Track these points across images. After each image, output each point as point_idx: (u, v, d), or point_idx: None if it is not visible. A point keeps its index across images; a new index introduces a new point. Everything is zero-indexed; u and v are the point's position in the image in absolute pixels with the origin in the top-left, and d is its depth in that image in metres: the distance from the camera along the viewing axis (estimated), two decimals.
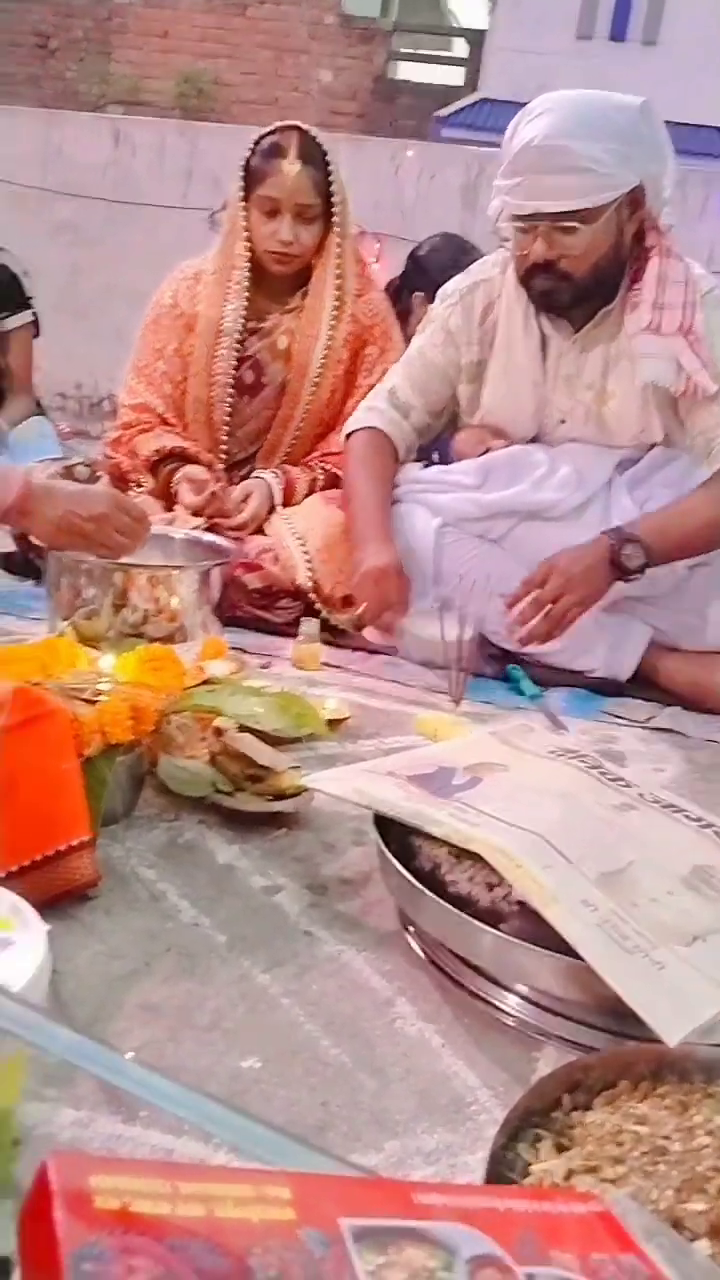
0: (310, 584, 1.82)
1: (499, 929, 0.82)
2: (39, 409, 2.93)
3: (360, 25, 9.65)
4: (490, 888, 0.84)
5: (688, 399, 1.68)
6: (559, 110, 1.59)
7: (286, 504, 2.00)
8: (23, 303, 2.79)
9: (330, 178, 1.94)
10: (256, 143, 1.95)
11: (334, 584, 1.84)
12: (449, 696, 1.52)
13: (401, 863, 0.89)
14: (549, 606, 1.58)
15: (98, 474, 1.97)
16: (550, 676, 1.73)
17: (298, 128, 1.94)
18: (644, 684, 1.73)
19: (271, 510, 1.97)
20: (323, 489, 2.03)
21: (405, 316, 2.58)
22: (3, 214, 4.55)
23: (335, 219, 1.95)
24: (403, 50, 9.97)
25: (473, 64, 9.40)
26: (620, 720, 1.60)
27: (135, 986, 0.80)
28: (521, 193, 1.60)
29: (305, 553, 1.84)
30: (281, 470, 2.03)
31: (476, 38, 9.50)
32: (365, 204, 4.07)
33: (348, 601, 1.87)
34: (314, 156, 1.92)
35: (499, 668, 1.74)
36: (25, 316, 2.79)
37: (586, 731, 1.53)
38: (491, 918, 0.83)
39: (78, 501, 1.45)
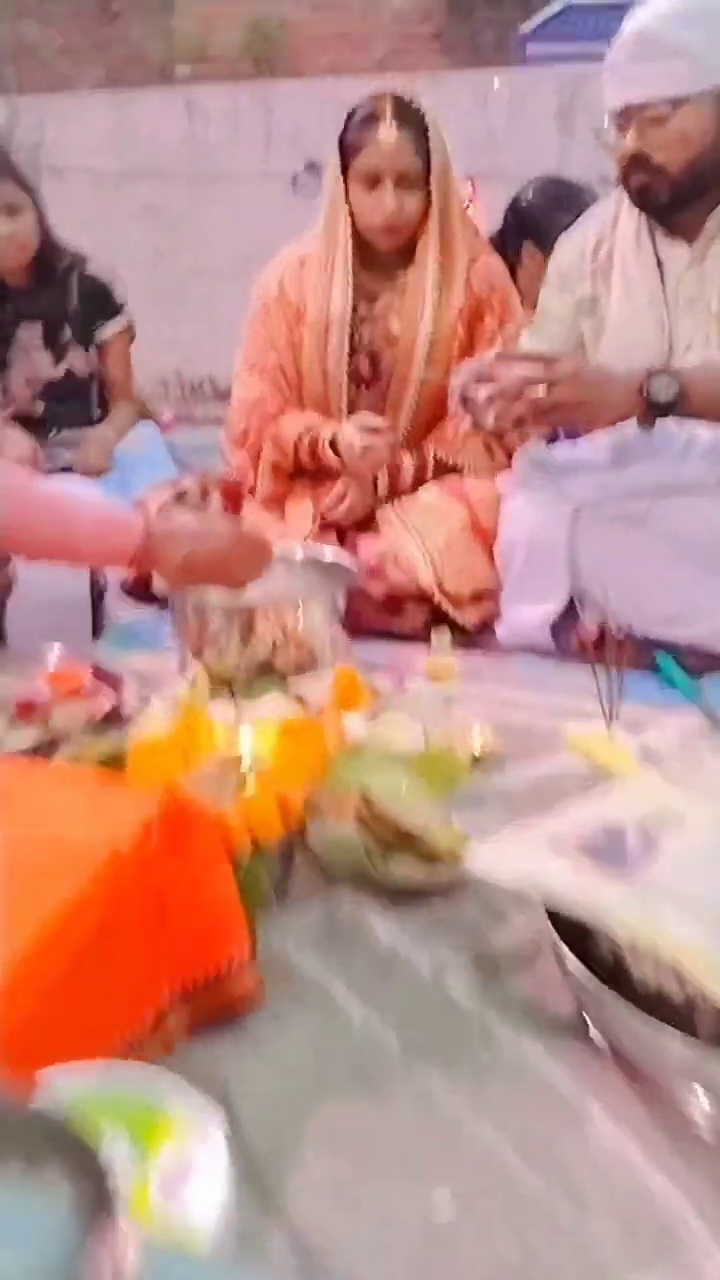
0: (435, 585, 1.75)
1: (696, 1032, 0.76)
2: (144, 412, 2.92)
3: None
4: (683, 981, 0.77)
5: None
6: (662, 2, 1.51)
7: (393, 492, 1.93)
8: (116, 310, 2.75)
9: (429, 141, 1.82)
10: (350, 115, 1.85)
11: (459, 582, 1.76)
12: (602, 712, 1.43)
13: (578, 945, 0.83)
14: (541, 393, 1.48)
15: (209, 492, 1.93)
16: (703, 662, 1.63)
17: (392, 93, 1.83)
18: None
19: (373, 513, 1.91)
20: (434, 477, 1.95)
21: (514, 271, 2.44)
22: (83, 202, 4.52)
23: (434, 184, 1.84)
24: None
25: None
26: None
27: (312, 1109, 0.77)
28: (614, 84, 1.55)
29: (426, 553, 1.76)
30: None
31: None
32: (454, 144, 3.88)
33: (476, 599, 1.80)
34: (411, 119, 1.80)
35: (647, 657, 1.64)
36: (120, 323, 2.75)
37: None
38: (685, 1015, 0.76)
39: (200, 539, 1.42)
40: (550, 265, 1.85)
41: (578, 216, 2.48)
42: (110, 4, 11.40)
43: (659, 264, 1.68)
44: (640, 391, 1.49)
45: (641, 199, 1.63)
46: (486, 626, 1.79)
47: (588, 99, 3.78)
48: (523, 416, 1.51)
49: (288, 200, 4.25)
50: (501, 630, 1.75)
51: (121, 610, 1.87)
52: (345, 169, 1.86)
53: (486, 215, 3.45)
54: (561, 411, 1.52)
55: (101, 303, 2.74)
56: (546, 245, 2.48)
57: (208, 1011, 0.86)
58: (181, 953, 0.84)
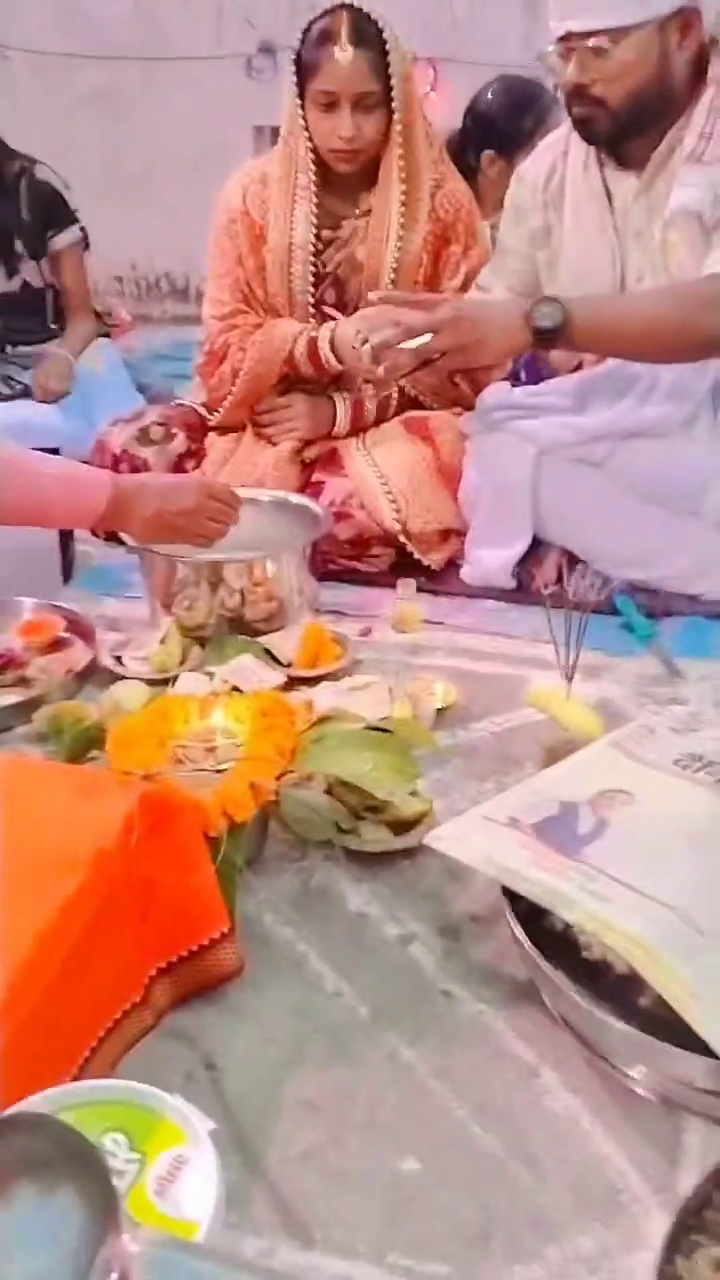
0: (399, 527, 1.77)
1: (638, 1001, 0.84)
2: (101, 320, 2.85)
3: None
4: None
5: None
6: None
7: (355, 427, 1.92)
8: (69, 219, 2.66)
9: (388, 58, 1.75)
10: (305, 30, 1.77)
11: (424, 523, 1.79)
12: (560, 664, 1.48)
13: (533, 917, 0.90)
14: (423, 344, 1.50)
15: (173, 432, 1.92)
16: (662, 603, 1.68)
17: (348, 6, 1.74)
18: None
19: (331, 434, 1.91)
20: (397, 411, 1.94)
21: (472, 178, 2.37)
22: (27, 86, 4.28)
23: (395, 105, 1.78)
24: None
25: None
26: None
27: (292, 1078, 0.85)
28: (557, 11, 1.52)
29: (390, 494, 1.78)
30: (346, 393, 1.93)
31: None
32: (413, 25, 3.65)
33: (442, 538, 1.83)
34: (368, 37, 1.73)
35: (606, 598, 1.68)
36: (74, 233, 2.67)
37: (705, 678, 1.49)
38: (628, 987, 0.84)
39: (167, 497, 1.43)
40: (507, 199, 1.83)
41: (539, 120, 2.42)
42: None
43: (608, 194, 1.67)
44: (526, 321, 1.48)
45: (584, 130, 1.61)
46: (452, 565, 1.82)
47: None
48: (410, 366, 1.53)
49: (243, 85, 4.04)
50: (466, 571, 1.78)
51: (91, 551, 1.87)
52: (302, 90, 1.79)
53: (448, 103, 3.32)
54: (448, 356, 1.52)
55: (53, 210, 2.65)
56: (507, 151, 2.42)
57: (191, 983, 0.92)
58: (165, 931, 0.90)
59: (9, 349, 2.69)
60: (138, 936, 0.88)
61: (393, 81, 1.77)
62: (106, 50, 4.14)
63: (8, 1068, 0.69)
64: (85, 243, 2.72)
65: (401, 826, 1.11)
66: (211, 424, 2.00)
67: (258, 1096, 0.83)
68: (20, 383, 2.57)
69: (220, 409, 1.98)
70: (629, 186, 1.63)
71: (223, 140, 4.16)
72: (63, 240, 2.66)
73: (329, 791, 1.12)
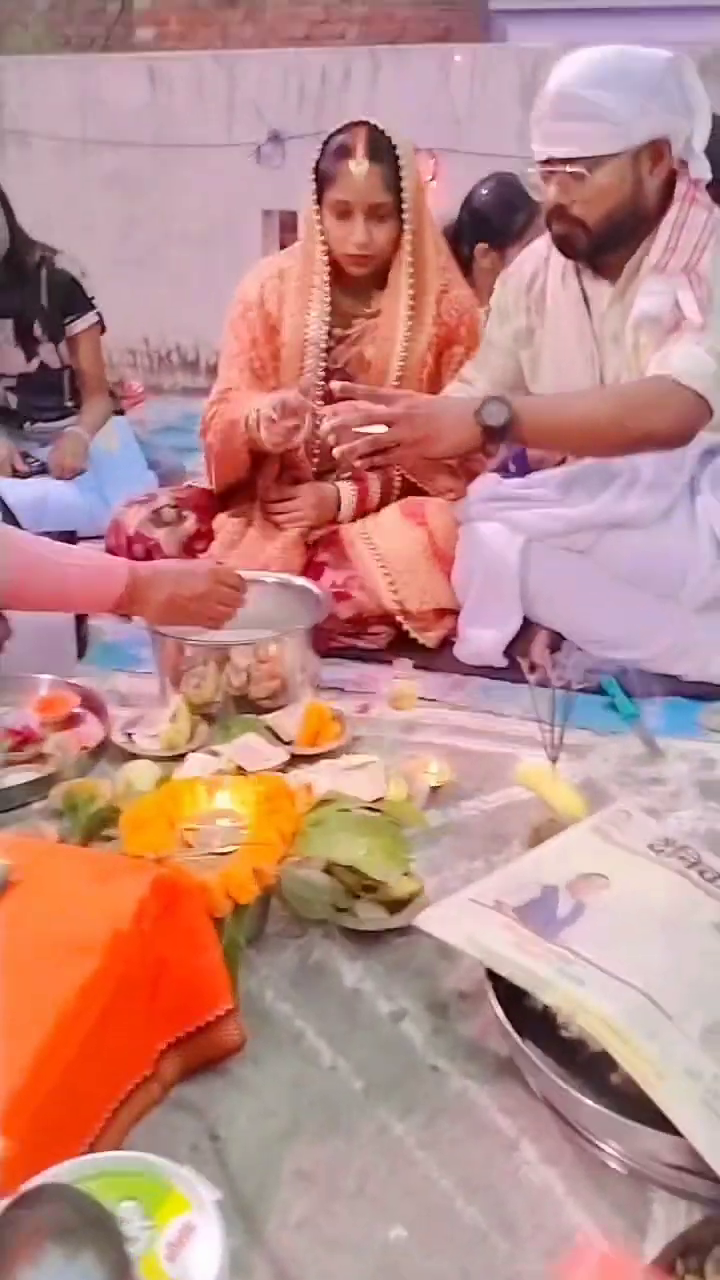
0: (397, 607, 1.87)
1: (610, 1078, 0.90)
2: (115, 396, 2.97)
3: None
4: None
5: (676, 331, 1.63)
6: (583, 60, 1.61)
7: (360, 511, 2.02)
8: (87, 304, 2.79)
9: (401, 173, 1.88)
10: (325, 144, 1.91)
11: (420, 603, 1.88)
12: (546, 744, 1.55)
13: (515, 995, 0.97)
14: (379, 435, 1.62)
15: (184, 514, 2.02)
16: (645, 685, 1.76)
17: (365, 124, 1.88)
18: None
19: (336, 520, 2.01)
20: (399, 497, 2.04)
21: (467, 268, 2.51)
22: (50, 169, 4.49)
23: (406, 216, 1.90)
24: None
25: None
26: (717, 737, 1.62)
27: (289, 1149, 0.91)
28: (537, 138, 1.64)
29: (388, 576, 1.87)
30: (356, 480, 2.03)
31: None
32: (416, 118, 3.87)
33: (438, 616, 1.92)
34: (382, 153, 1.86)
35: (593, 679, 1.77)
36: (91, 318, 2.80)
37: (685, 757, 1.57)
38: (602, 1064, 0.91)
39: (180, 583, 1.53)
40: (493, 299, 1.94)
41: (530, 217, 2.56)
42: None
43: (586, 301, 1.78)
44: (475, 418, 1.60)
45: (563, 245, 1.72)
46: (447, 642, 1.91)
47: (548, 75, 3.77)
48: (364, 451, 1.64)
49: (253, 169, 4.23)
50: (460, 649, 1.87)
51: (104, 628, 1.96)
52: (319, 198, 1.92)
53: (447, 191, 3.47)
54: (402, 447, 1.64)
55: (71, 297, 2.78)
56: (499, 244, 2.56)
57: (197, 1057, 0.99)
58: (173, 1008, 0.97)
59: (27, 426, 2.81)
60: (148, 1014, 0.95)
61: (404, 194, 1.89)
62: (123, 137, 4.34)
63: (32, 1140, 0.76)
64: (101, 326, 2.85)
65: (395, 905, 1.18)
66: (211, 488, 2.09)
67: (258, 1166, 0.90)
68: (38, 460, 2.68)
69: (213, 483, 2.08)
70: (605, 294, 1.75)
71: (232, 222, 4.35)
72: (80, 325, 2.78)
73: (327, 870, 1.19)
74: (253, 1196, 0.87)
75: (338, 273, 1.97)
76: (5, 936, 0.91)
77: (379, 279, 1.99)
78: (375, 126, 1.88)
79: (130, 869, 1.01)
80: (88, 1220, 0.64)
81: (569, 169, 1.61)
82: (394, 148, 1.87)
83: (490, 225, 2.59)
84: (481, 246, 2.59)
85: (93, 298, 2.81)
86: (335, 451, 1.67)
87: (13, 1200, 0.64)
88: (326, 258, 1.96)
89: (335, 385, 1.75)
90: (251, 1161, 0.90)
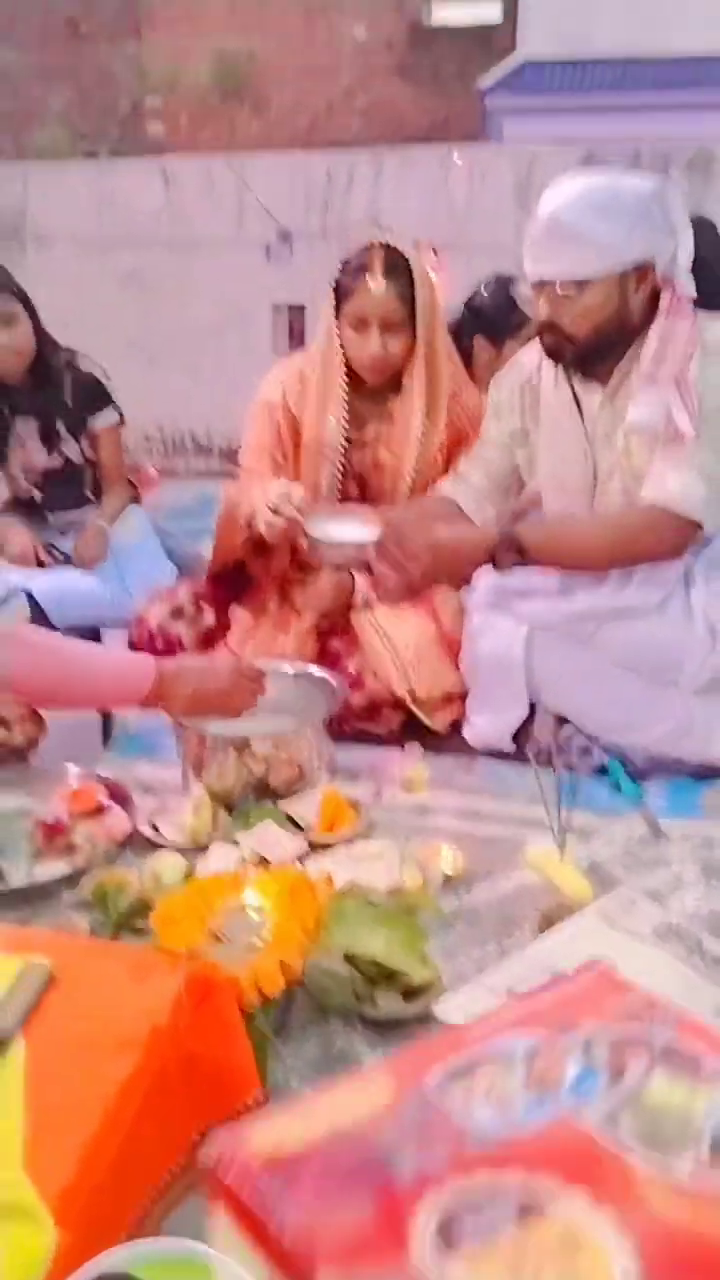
0: (408, 694, 1.95)
1: None
2: (134, 496, 3.09)
3: None
4: None
5: (672, 443, 1.75)
6: (574, 188, 1.73)
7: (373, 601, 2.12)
8: (106, 402, 2.92)
9: (415, 289, 1.99)
10: (345, 263, 2.03)
11: (429, 690, 1.97)
12: (553, 828, 1.63)
13: None
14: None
15: (203, 608, 2.12)
16: (647, 767, 1.84)
17: (384, 244, 1.99)
18: None
19: (350, 606, 2.10)
20: None
21: (468, 359, 2.64)
22: (70, 268, 4.71)
23: (420, 329, 2.02)
24: None
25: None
26: (718, 817, 1.69)
27: None
28: (530, 258, 1.76)
29: (398, 664, 1.96)
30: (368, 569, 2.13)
31: None
32: (419, 214, 4.09)
33: (446, 701, 2.00)
34: (398, 270, 1.98)
35: (597, 761, 1.84)
36: (111, 416, 2.93)
37: (687, 838, 1.63)
38: None
39: (203, 678, 1.61)
40: (489, 398, 2.07)
41: (524, 315, 2.70)
42: (79, 27, 11.52)
43: (578, 403, 1.90)
44: (491, 560, 1.78)
45: (554, 355, 1.84)
46: (456, 726, 1.99)
47: (542, 176, 3.98)
48: (343, 557, 1.85)
49: (263, 266, 4.44)
50: (468, 734, 1.95)
51: (127, 716, 2.04)
52: (339, 310, 2.04)
53: (450, 285, 3.65)
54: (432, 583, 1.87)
55: (93, 396, 2.92)
56: (497, 340, 2.70)
57: None
58: (206, 1099, 1.03)
59: (49, 516, 2.94)
60: (183, 1105, 1.01)
61: (418, 308, 2.00)
62: (138, 237, 4.57)
63: (82, 1230, 0.82)
64: (121, 422, 2.99)
65: (412, 992, 1.24)
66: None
67: None
68: (62, 551, 2.80)
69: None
70: (596, 397, 1.86)
71: (243, 314, 4.55)
72: (102, 422, 2.92)
73: (347, 959, 1.26)
74: None
75: (354, 378, 2.08)
76: (50, 1032, 0.98)
77: (394, 384, 2.10)
78: (392, 245, 1.99)
79: (165, 965, 1.07)
80: None
81: (560, 291, 1.73)
82: (409, 265, 1.99)
83: (488, 322, 2.74)
84: (480, 340, 2.73)
85: (114, 394, 2.95)
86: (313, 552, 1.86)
87: None
88: (344, 365, 2.07)
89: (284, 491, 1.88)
90: None
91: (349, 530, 1.85)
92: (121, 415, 2.98)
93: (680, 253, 1.77)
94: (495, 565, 1.79)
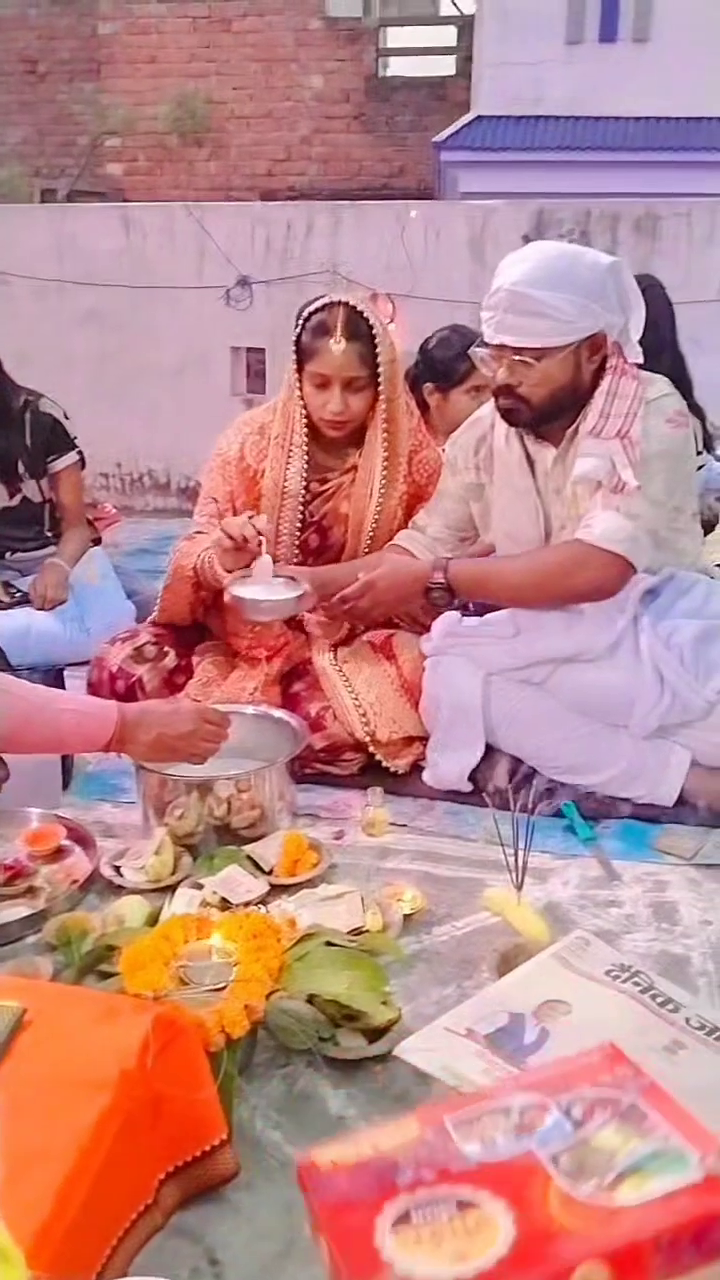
0: (368, 737, 1.99)
1: None
2: (93, 533, 3.11)
3: (346, 26, 9.58)
4: None
5: (616, 494, 1.84)
6: (534, 260, 1.81)
7: (333, 643, 2.16)
8: (68, 444, 2.95)
9: (377, 348, 2.04)
10: (305, 319, 2.06)
11: (390, 733, 2.00)
12: (510, 869, 1.67)
13: None
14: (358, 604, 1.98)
15: (164, 650, 2.15)
16: (600, 808, 1.89)
17: (344, 303, 2.03)
18: (690, 806, 1.88)
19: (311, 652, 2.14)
20: (366, 628, 2.19)
21: (425, 409, 2.72)
22: (29, 306, 4.75)
23: (381, 387, 2.06)
24: (391, 46, 9.93)
25: (463, 50, 9.33)
26: (669, 859, 1.75)
27: (284, 1272, 0.99)
28: (491, 326, 1.83)
29: (359, 707, 2.00)
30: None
31: (465, 22, 9.43)
32: (376, 266, 4.20)
33: (406, 744, 2.04)
34: (359, 331, 2.01)
35: (553, 803, 1.89)
36: (71, 457, 2.95)
37: (639, 880, 1.69)
38: None
39: (166, 723, 1.63)
40: (445, 455, 2.15)
41: (472, 365, 2.80)
42: (36, 65, 11.60)
43: (530, 461, 1.98)
44: (425, 593, 1.96)
45: (508, 417, 1.92)
46: (415, 768, 2.03)
47: (495, 230, 4.12)
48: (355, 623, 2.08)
49: (222, 311, 4.51)
50: (428, 775, 1.99)
51: (88, 759, 2.05)
52: (300, 367, 2.07)
53: (405, 334, 3.75)
54: (380, 615, 2.06)
55: (54, 438, 2.94)
56: (444, 387, 2.79)
57: (194, 1185, 1.07)
58: (172, 1139, 1.05)
59: (8, 556, 2.94)
60: (149, 1145, 1.03)
61: (380, 368, 2.04)
62: (98, 279, 4.62)
63: (55, 1270, 0.83)
64: (81, 463, 3.01)
65: (374, 1033, 1.27)
66: (157, 619, 2.20)
67: None
68: (19, 590, 2.80)
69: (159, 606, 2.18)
70: (548, 456, 1.94)
71: (203, 357, 4.61)
72: (62, 463, 2.94)
73: (310, 1000, 1.29)
74: None
75: (315, 433, 2.12)
76: (21, 1075, 0.99)
77: (355, 438, 2.14)
78: (353, 306, 2.03)
79: (132, 1008, 1.09)
80: None
81: (518, 357, 1.81)
82: (370, 326, 2.03)
83: (439, 370, 2.81)
84: (428, 386, 2.81)
85: (75, 438, 2.98)
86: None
87: None
88: (305, 420, 2.11)
89: (258, 523, 1.95)
90: None
91: (270, 590, 1.92)
92: (82, 457, 3.01)
93: (632, 326, 1.86)
94: (427, 595, 1.93)
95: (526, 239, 4.14)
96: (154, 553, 4.02)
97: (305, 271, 4.23)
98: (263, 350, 4.50)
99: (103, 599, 2.81)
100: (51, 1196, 0.87)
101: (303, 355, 2.06)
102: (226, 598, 1.97)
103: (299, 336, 2.07)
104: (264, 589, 1.93)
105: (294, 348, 2.09)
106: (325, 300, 2.07)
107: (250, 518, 1.97)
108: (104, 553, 3.04)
